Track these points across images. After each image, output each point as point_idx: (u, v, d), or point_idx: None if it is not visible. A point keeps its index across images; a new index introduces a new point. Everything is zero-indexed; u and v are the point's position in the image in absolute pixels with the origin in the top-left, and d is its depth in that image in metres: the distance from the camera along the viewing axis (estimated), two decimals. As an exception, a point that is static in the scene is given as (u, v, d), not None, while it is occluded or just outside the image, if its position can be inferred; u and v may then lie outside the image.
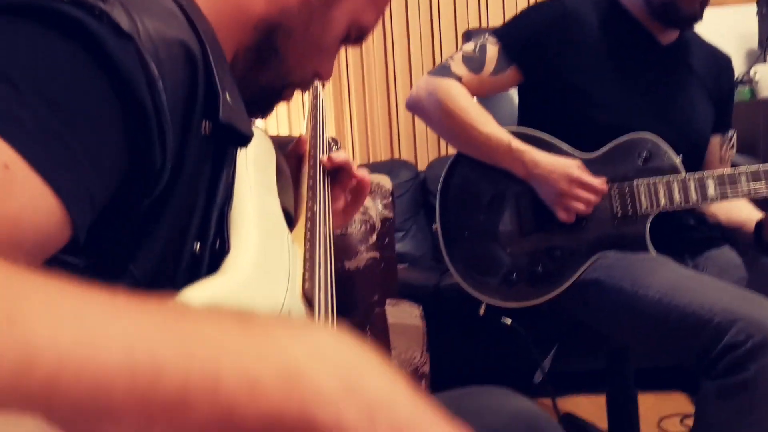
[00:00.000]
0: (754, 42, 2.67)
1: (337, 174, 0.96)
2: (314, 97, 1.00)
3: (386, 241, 1.48)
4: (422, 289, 2.15)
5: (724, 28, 2.79)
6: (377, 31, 2.88)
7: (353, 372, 0.33)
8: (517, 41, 1.40)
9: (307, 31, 0.66)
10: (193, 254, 0.53)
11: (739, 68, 2.76)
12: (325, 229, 0.80)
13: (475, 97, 1.43)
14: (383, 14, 0.76)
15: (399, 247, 2.51)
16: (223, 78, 0.53)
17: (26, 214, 0.36)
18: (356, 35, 0.72)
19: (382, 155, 2.94)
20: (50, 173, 0.38)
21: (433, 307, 1.98)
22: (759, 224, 1.32)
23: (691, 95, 1.42)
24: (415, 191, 2.80)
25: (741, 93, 2.50)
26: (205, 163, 0.54)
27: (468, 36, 2.39)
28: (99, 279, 0.32)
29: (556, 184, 1.32)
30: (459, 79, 1.40)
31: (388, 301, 1.57)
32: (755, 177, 1.29)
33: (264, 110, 0.71)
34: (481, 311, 1.46)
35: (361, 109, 2.91)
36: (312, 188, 0.84)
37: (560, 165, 1.34)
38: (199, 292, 0.47)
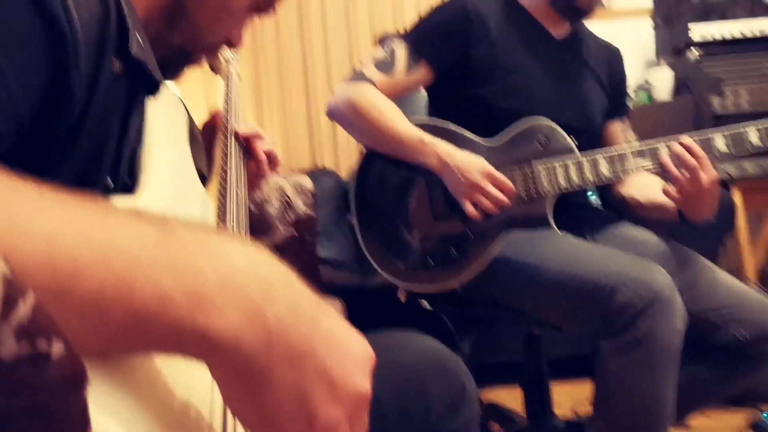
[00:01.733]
0: (651, 52, 2.85)
1: (250, 150, 1.00)
2: (227, 77, 1.05)
3: (307, 226, 1.51)
4: (344, 289, 2.19)
5: (622, 40, 2.97)
6: (296, 41, 2.93)
7: (259, 302, 0.35)
8: (423, 38, 1.48)
9: None
10: (106, 188, 0.55)
11: (637, 76, 2.94)
12: (237, 190, 0.83)
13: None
14: None
15: (323, 252, 2.53)
16: (133, 21, 0.55)
17: None
18: (265, 3, 0.75)
19: (304, 163, 2.97)
20: None
21: (356, 307, 2.02)
22: None
23: (583, 84, 1.53)
24: (339, 199, 2.84)
25: (640, 98, 2.66)
26: (116, 102, 0.55)
27: (383, 41, 2.47)
28: None
29: (469, 176, 1.38)
30: (373, 82, 1.45)
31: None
32: (640, 154, 1.39)
33: (175, 71, 0.73)
34: (402, 297, 1.50)
35: (280, 117, 2.94)
36: (225, 153, 0.87)
37: (475, 159, 1.40)
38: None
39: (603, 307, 1.20)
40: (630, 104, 2.70)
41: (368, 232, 1.50)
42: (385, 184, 1.49)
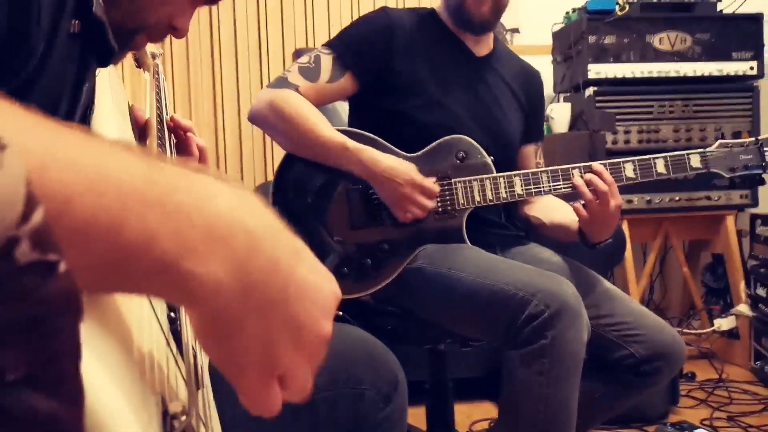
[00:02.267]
0: (550, 88, 3.00)
1: (181, 145, 0.97)
2: (155, 72, 1.01)
3: None
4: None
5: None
6: (204, 48, 2.86)
7: (242, 252, 0.36)
8: (348, 49, 1.48)
9: None
10: None
11: (538, 109, 3.07)
12: None
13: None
14: None
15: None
16: None
17: None
18: None
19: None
20: None
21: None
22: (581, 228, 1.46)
23: (502, 103, 1.58)
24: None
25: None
26: (70, 62, 0.54)
27: (299, 54, 2.45)
28: None
29: (399, 188, 1.39)
30: (296, 88, 1.44)
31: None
32: (554, 177, 1.45)
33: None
34: None
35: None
36: (160, 141, 0.85)
37: (403, 168, 1.41)
38: None
39: (512, 316, 1.23)
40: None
41: None
42: (303, 190, 1.47)
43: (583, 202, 1.39)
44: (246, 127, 2.88)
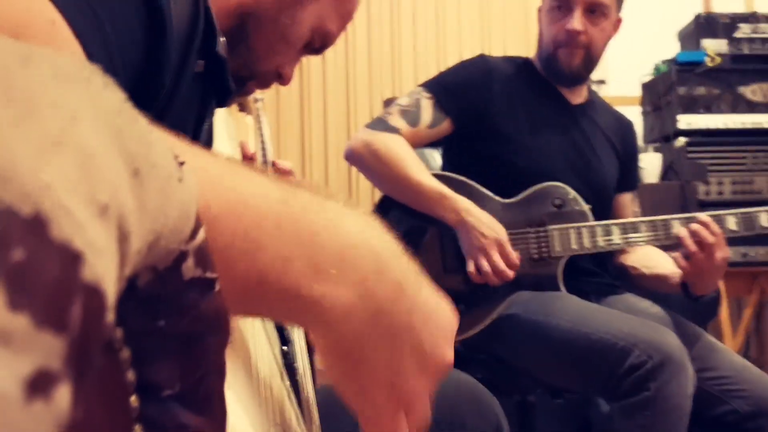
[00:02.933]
0: (639, 138, 2.97)
1: None
2: (257, 116, 1.07)
3: None
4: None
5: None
6: (294, 96, 2.97)
7: (371, 277, 0.36)
8: (449, 94, 1.51)
9: (277, 23, 0.70)
10: None
11: (625, 159, 3.04)
12: None
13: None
14: (347, 26, 0.83)
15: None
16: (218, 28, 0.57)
17: None
18: (319, 42, 0.77)
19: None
20: (87, 43, 0.39)
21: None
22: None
23: (598, 151, 1.58)
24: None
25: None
26: (193, 101, 0.56)
27: (388, 104, 2.52)
28: None
29: (481, 238, 1.38)
30: (397, 131, 1.48)
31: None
32: (653, 227, 1.43)
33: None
34: None
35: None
36: None
37: (493, 223, 1.40)
38: None
39: (613, 367, 1.21)
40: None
41: None
42: (399, 229, 1.49)
43: (684, 253, 1.36)
44: (333, 175, 2.96)
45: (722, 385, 1.35)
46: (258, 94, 1.10)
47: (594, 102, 1.65)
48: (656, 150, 2.77)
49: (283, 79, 0.78)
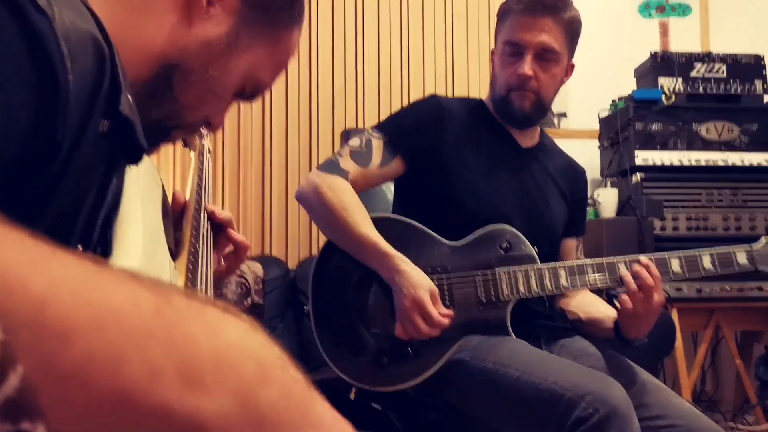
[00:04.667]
0: (597, 172, 3.01)
1: (217, 237, 0.98)
2: (200, 153, 1.04)
3: (256, 314, 1.48)
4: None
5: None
6: (256, 125, 2.96)
7: (252, 383, 0.33)
8: (400, 134, 1.52)
9: (205, 75, 0.68)
10: None
11: (584, 193, 3.07)
12: (205, 270, 0.81)
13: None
14: (279, 76, 0.81)
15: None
16: (125, 83, 0.53)
17: None
18: (251, 90, 0.75)
19: (253, 250, 2.94)
20: None
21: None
22: (617, 322, 1.44)
23: (547, 195, 1.59)
24: (285, 288, 2.80)
25: (588, 213, 2.77)
26: (97, 164, 0.53)
27: (347, 135, 2.52)
28: None
29: (404, 300, 1.37)
30: (346, 173, 1.47)
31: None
32: (599, 269, 1.44)
33: (149, 147, 0.69)
34: (352, 395, 1.47)
35: (234, 202, 2.93)
36: (195, 229, 0.86)
37: (414, 286, 1.37)
38: None
39: (560, 418, 1.20)
40: (576, 219, 2.81)
41: (323, 326, 1.47)
42: (344, 278, 1.48)
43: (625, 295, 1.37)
44: (292, 205, 2.94)
45: (669, 428, 1.34)
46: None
47: (545, 146, 1.66)
48: (613, 185, 2.81)
49: (212, 126, 0.76)
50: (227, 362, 0.32)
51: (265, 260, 2.86)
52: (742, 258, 1.43)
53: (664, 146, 2.67)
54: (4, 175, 0.41)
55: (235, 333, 0.34)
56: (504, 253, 1.47)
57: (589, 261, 1.45)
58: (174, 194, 0.95)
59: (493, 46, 1.61)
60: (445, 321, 1.37)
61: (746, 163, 2.67)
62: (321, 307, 1.48)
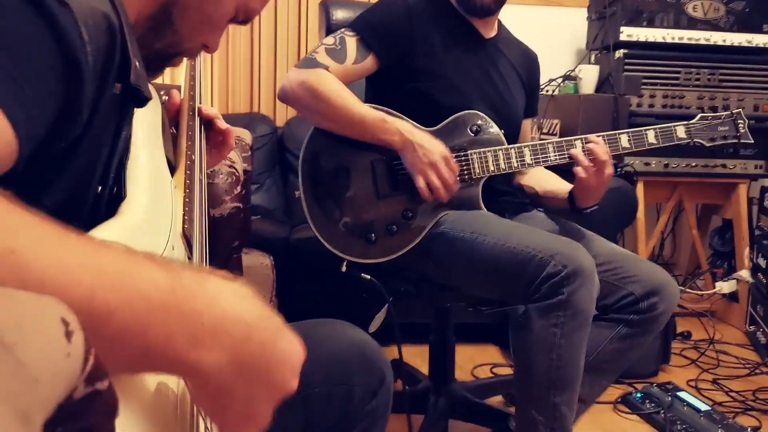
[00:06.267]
0: (582, 42, 3.04)
1: (207, 132, 1.07)
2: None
3: (245, 192, 1.59)
4: (274, 242, 2.29)
5: (557, 27, 3.14)
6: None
7: (239, 341, 0.46)
8: (372, 32, 1.58)
9: (201, 8, 0.76)
10: (96, 195, 0.63)
11: (567, 64, 3.11)
12: (200, 176, 0.91)
13: None
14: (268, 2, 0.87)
15: (253, 199, 2.59)
16: (133, 47, 0.62)
17: None
18: (243, 17, 0.83)
19: (242, 108, 3.01)
20: (11, 111, 0.46)
21: (283, 259, 2.13)
22: (571, 194, 1.59)
23: (509, 82, 1.70)
24: (272, 146, 2.90)
25: (566, 87, 2.84)
26: (111, 118, 0.63)
27: (325, 6, 2.52)
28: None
29: (430, 155, 1.50)
30: (326, 68, 1.54)
31: (243, 249, 1.68)
32: (559, 147, 1.57)
33: (154, 72, 0.81)
34: (343, 268, 1.61)
35: (223, 60, 2.96)
36: (191, 138, 0.93)
37: (436, 141, 1.52)
38: (102, 233, 0.56)
39: (532, 275, 1.36)
40: (557, 91, 2.89)
41: (315, 208, 1.59)
42: (330, 164, 1.59)
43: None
44: (281, 64, 2.97)
45: (618, 274, 1.52)
46: None
47: (504, 35, 1.74)
48: (596, 59, 2.86)
49: (209, 49, 0.83)
50: (222, 328, 0.46)
51: (254, 117, 2.93)
52: (681, 132, 1.59)
53: (651, 23, 2.70)
54: (40, 141, 0.52)
55: (230, 302, 0.47)
56: (474, 136, 1.59)
57: (551, 141, 1.58)
58: (170, 95, 1.02)
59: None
60: (458, 169, 1.52)
61: (728, 43, 2.71)
62: (312, 191, 1.59)
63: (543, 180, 1.69)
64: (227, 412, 0.49)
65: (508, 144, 1.59)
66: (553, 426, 1.38)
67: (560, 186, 1.64)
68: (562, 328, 1.35)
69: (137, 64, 0.63)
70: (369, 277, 1.56)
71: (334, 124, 1.55)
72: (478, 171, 1.57)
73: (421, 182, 1.52)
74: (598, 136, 1.55)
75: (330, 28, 2.41)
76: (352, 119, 1.52)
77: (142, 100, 0.66)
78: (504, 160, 1.57)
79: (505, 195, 1.69)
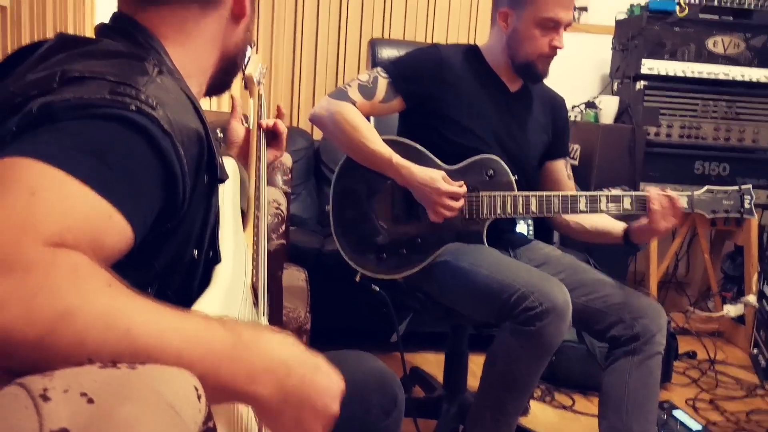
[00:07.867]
0: (607, 68, 3.17)
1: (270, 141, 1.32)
2: (259, 98, 1.32)
3: (287, 229, 1.83)
4: (307, 252, 2.51)
5: (584, 53, 3.28)
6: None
7: (284, 378, 0.63)
8: (403, 78, 1.78)
9: (239, 48, 0.96)
10: (192, 258, 0.80)
11: (592, 89, 3.26)
12: (263, 229, 1.11)
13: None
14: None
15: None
16: (216, 145, 0.80)
17: (116, 243, 0.62)
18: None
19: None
20: (128, 212, 0.64)
21: (317, 268, 2.34)
22: (627, 231, 1.75)
23: (528, 131, 1.87)
24: (309, 159, 3.11)
25: (588, 115, 2.98)
26: (202, 199, 0.81)
27: (372, 44, 2.72)
28: (133, 267, 0.61)
29: (430, 196, 1.70)
30: (354, 103, 1.75)
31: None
32: (563, 200, 1.74)
33: (219, 93, 1.00)
34: (357, 278, 1.83)
35: (267, 79, 3.17)
36: (257, 198, 1.13)
37: (430, 180, 1.70)
38: (206, 299, 0.79)
39: (513, 305, 1.55)
40: (579, 117, 3.03)
41: (340, 223, 1.81)
42: (358, 188, 1.81)
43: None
44: (320, 81, 3.17)
45: (606, 301, 1.71)
46: (261, 78, 1.35)
47: (527, 88, 1.90)
48: (617, 88, 2.99)
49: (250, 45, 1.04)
50: (270, 369, 0.64)
51: (292, 131, 3.14)
52: (683, 201, 1.72)
53: (673, 56, 2.83)
54: (148, 231, 0.70)
55: (275, 350, 0.65)
56: (488, 179, 1.77)
57: (555, 193, 1.75)
58: (235, 129, 1.27)
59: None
60: (463, 190, 1.71)
61: (746, 78, 2.83)
62: (339, 209, 1.83)
63: (593, 219, 1.85)
64: (282, 428, 0.65)
65: (520, 190, 1.77)
66: (499, 418, 1.61)
67: (613, 224, 1.80)
68: (527, 353, 1.56)
69: (221, 161, 0.82)
70: (378, 288, 1.78)
71: (351, 152, 1.78)
72: (485, 212, 1.75)
73: (433, 217, 1.73)
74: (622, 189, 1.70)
75: (375, 63, 2.62)
76: (365, 152, 1.74)
77: (223, 181, 0.85)
78: (510, 206, 1.75)
79: (508, 232, 1.90)
